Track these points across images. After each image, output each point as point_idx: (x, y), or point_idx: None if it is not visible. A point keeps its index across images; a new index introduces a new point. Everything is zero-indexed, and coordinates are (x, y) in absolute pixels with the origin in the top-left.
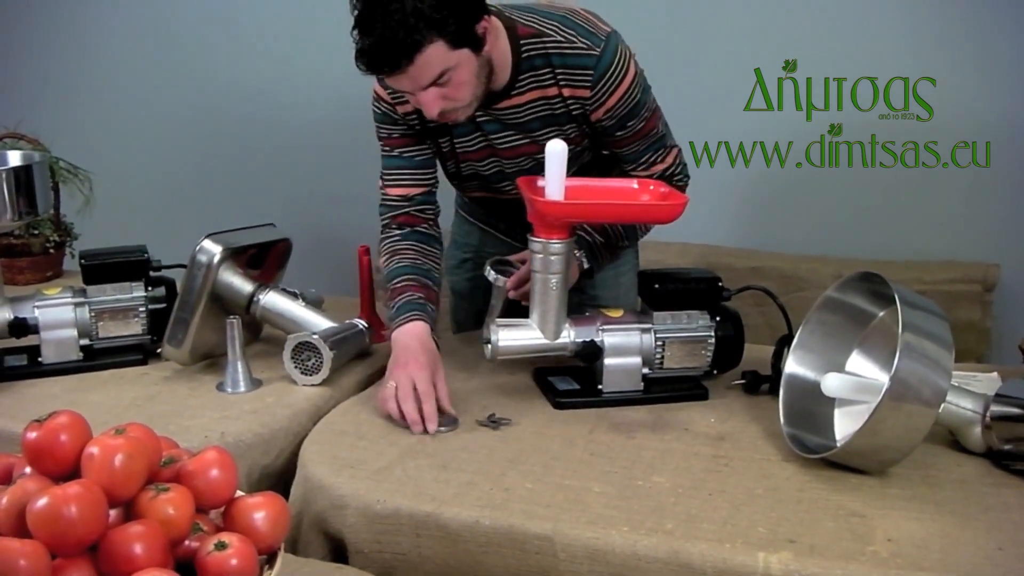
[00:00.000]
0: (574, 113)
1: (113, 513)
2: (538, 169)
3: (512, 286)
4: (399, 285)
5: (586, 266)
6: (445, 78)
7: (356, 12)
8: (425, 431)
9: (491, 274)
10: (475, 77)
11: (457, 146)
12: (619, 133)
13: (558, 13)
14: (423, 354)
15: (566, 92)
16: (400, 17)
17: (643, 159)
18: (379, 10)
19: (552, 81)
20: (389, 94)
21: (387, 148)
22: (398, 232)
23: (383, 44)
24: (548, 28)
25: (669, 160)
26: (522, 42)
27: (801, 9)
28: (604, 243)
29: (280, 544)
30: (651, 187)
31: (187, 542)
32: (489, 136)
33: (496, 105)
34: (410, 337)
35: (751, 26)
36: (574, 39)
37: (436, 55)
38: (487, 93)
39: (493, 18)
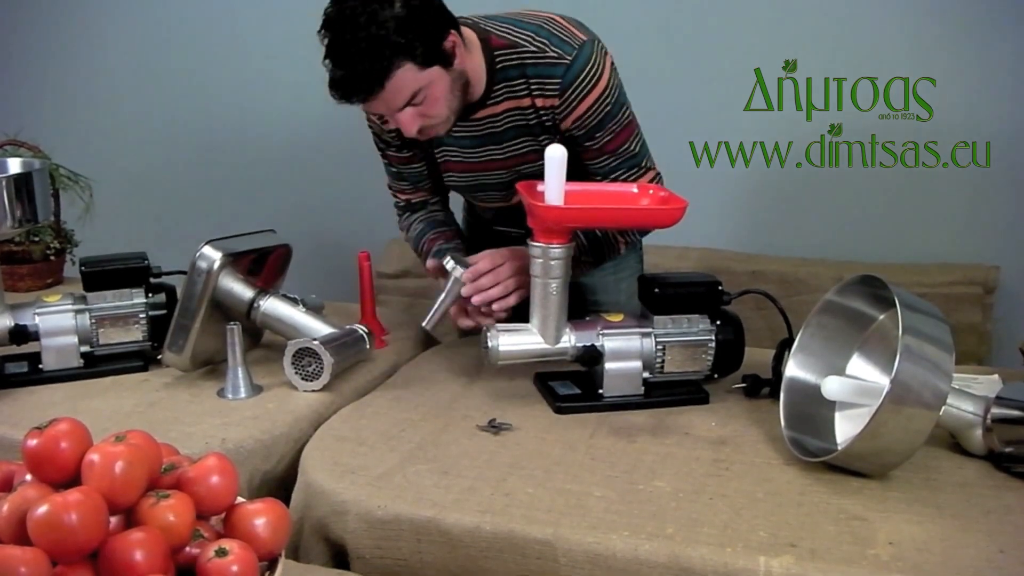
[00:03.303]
0: (546, 124)
1: (114, 520)
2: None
3: (469, 278)
4: (424, 245)
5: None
6: (419, 98)
7: (325, 43)
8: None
9: (450, 263)
10: (449, 92)
11: (439, 158)
12: (587, 144)
13: (533, 23)
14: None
15: (539, 103)
16: (366, 45)
17: (612, 176)
18: (346, 39)
19: (526, 92)
20: (375, 115)
21: (385, 160)
22: (408, 212)
23: (353, 73)
24: (522, 38)
25: (643, 183)
26: (496, 53)
27: (801, 9)
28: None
29: (281, 550)
30: (651, 191)
31: (188, 549)
32: (463, 151)
33: (473, 116)
34: (431, 269)
35: (751, 26)
36: (547, 48)
37: (406, 78)
38: (464, 105)
39: (465, 30)
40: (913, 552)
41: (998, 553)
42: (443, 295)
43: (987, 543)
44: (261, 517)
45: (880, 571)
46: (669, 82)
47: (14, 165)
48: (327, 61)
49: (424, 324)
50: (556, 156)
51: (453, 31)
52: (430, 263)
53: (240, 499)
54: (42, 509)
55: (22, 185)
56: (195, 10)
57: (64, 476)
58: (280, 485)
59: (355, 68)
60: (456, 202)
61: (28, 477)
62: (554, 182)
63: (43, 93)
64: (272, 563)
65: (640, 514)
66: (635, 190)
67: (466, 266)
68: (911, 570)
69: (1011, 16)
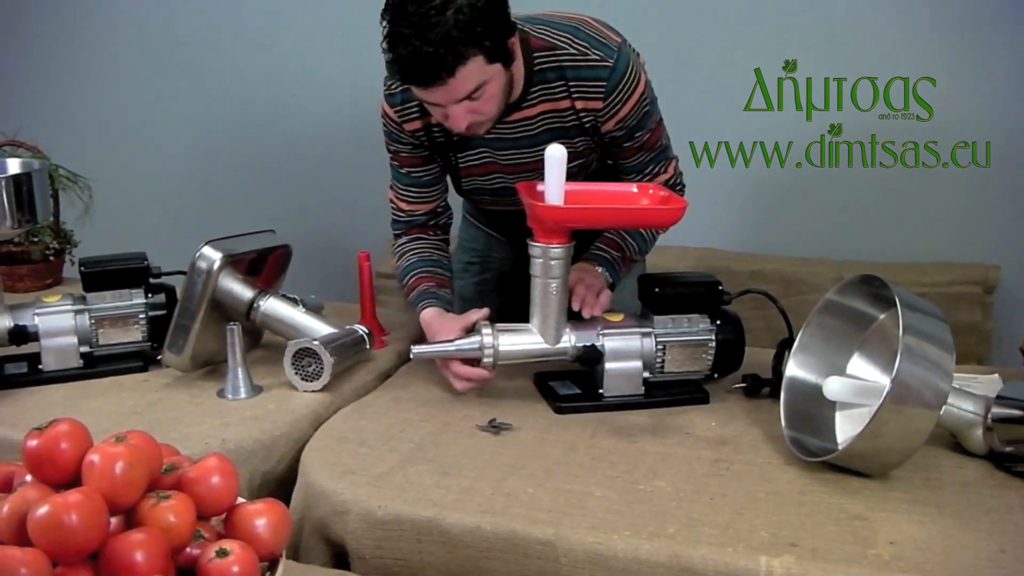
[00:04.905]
0: (585, 125)
1: (114, 521)
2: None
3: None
4: (411, 281)
5: (610, 280)
6: (478, 92)
7: (388, 22)
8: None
9: (488, 347)
10: (501, 92)
11: (461, 162)
12: (627, 144)
13: (569, 24)
14: (439, 330)
15: (579, 104)
16: (443, 30)
17: (647, 170)
18: (417, 22)
19: (564, 94)
20: (396, 112)
21: (395, 163)
22: (406, 238)
23: (424, 57)
24: (561, 41)
25: (670, 171)
26: (535, 55)
27: (801, 9)
28: (620, 256)
29: (281, 550)
30: (650, 191)
31: (188, 549)
32: (494, 152)
33: (507, 118)
34: (427, 321)
35: (751, 26)
36: (587, 51)
37: (474, 69)
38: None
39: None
40: (914, 552)
41: (999, 552)
42: (453, 348)
43: (988, 542)
44: (261, 518)
45: (881, 571)
46: (669, 82)
47: (13, 165)
48: (387, 42)
49: (414, 352)
50: (556, 156)
51: (515, 32)
52: (445, 324)
53: (240, 500)
54: (42, 510)
55: (21, 185)
56: (195, 11)
57: (64, 477)
58: (280, 485)
59: (427, 51)
60: (455, 201)
61: (28, 478)
62: (554, 182)
63: (42, 93)
64: (273, 564)
65: (641, 514)
66: (635, 190)
67: (495, 353)
68: (912, 570)
69: (1011, 16)
